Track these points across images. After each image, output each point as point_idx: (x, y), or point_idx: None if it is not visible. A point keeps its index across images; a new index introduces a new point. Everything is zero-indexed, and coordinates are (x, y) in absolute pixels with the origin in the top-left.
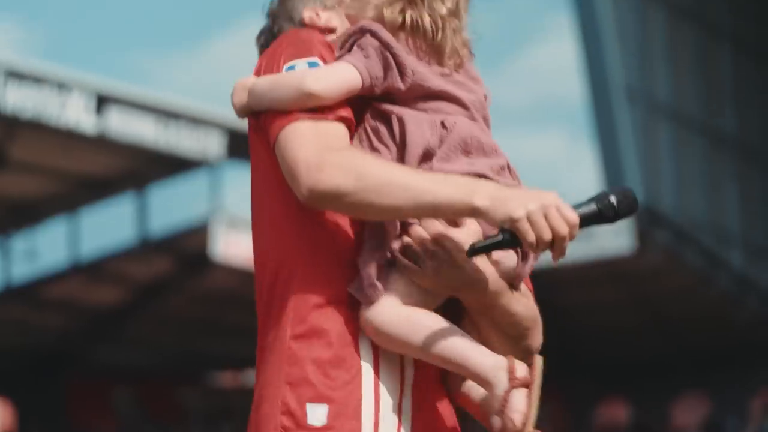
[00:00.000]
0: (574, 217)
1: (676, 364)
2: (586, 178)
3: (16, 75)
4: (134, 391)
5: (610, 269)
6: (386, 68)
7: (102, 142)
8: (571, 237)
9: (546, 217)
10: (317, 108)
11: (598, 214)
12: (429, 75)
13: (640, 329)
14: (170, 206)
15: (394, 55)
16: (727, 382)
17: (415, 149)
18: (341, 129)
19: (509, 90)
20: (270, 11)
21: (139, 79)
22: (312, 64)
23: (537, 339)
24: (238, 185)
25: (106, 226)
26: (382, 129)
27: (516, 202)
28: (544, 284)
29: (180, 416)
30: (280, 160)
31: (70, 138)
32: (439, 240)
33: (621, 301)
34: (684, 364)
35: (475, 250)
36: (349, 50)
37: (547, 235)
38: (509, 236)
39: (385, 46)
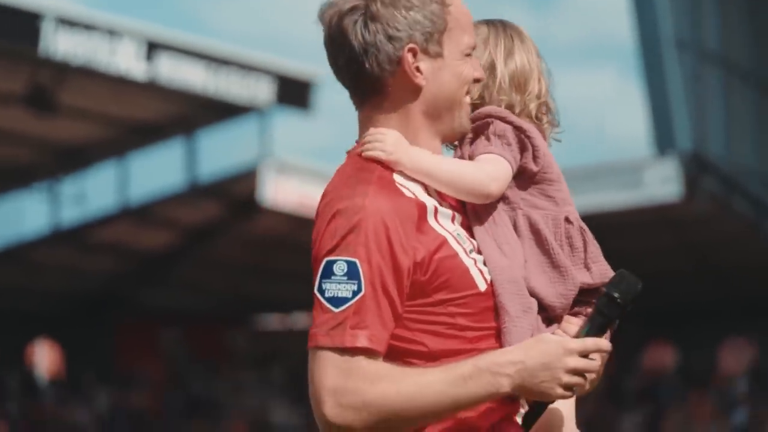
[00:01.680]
0: (604, 345)
1: (723, 310)
2: (635, 117)
3: (67, 22)
4: (182, 334)
5: (658, 215)
6: (522, 150)
7: (152, 88)
8: (604, 360)
9: (576, 371)
10: (349, 335)
11: (607, 322)
12: (552, 158)
13: (687, 275)
14: (219, 151)
15: (529, 137)
16: None
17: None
18: (363, 361)
19: (560, 27)
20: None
21: (190, 23)
22: (351, 267)
23: None
24: (286, 131)
25: (156, 171)
26: (505, 221)
27: (546, 382)
28: (592, 230)
29: (227, 358)
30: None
31: (120, 84)
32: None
33: (668, 247)
34: (731, 310)
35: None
36: (488, 139)
37: (588, 384)
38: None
39: (518, 129)
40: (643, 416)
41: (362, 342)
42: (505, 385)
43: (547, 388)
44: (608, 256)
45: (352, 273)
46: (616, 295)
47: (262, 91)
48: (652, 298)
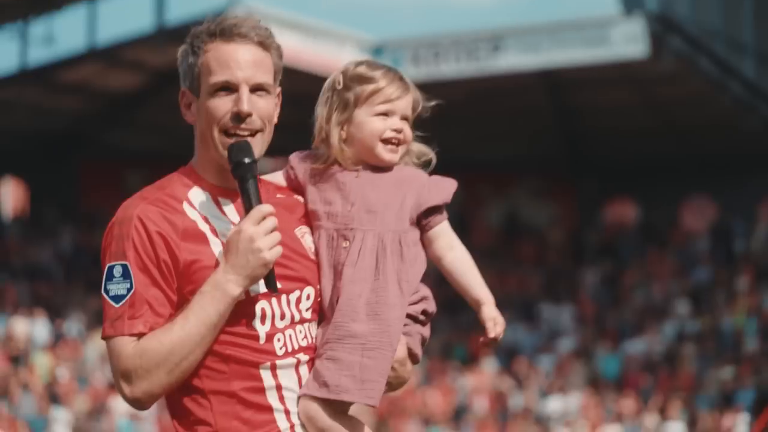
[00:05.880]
0: (265, 209)
1: (685, 168)
2: None
3: None
4: (146, 174)
5: (623, 73)
6: None
7: None
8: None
9: (261, 235)
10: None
11: (255, 183)
12: None
13: (650, 133)
14: None
15: None
16: (735, 188)
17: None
18: (142, 341)
19: None
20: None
21: None
22: (125, 269)
23: None
24: None
25: (124, 14)
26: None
27: (253, 259)
28: (556, 84)
29: None
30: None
31: None
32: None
33: (633, 105)
34: (693, 168)
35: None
36: None
37: (276, 251)
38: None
39: None
40: (604, 271)
41: (138, 328)
42: (234, 288)
43: (260, 262)
44: (571, 112)
45: (125, 274)
46: (246, 160)
47: None
48: (616, 154)
